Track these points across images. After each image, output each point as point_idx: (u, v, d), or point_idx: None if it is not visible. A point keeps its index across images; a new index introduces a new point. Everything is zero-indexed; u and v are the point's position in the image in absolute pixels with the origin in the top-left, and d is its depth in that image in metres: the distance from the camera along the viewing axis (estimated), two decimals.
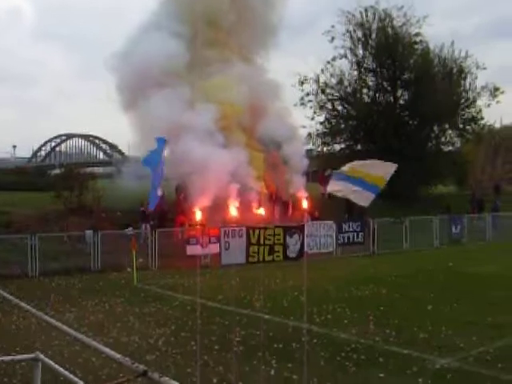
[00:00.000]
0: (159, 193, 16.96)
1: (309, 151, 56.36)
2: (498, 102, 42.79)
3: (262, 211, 27.66)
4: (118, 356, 3.86)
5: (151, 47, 28.70)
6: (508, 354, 9.96)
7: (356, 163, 19.03)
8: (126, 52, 30.11)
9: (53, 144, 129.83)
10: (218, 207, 25.48)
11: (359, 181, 17.41)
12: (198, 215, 24.81)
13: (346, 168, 18.39)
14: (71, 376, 5.65)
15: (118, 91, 30.95)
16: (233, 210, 26.44)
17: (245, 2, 31.74)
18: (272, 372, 9.21)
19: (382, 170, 17.80)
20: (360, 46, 42.72)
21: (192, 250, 20.53)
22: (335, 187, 18.24)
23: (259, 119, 29.83)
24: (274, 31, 33.98)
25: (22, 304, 6.08)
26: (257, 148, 29.87)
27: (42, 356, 5.25)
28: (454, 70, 42.67)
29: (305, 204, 29.14)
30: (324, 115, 43.38)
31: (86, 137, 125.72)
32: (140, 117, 29.24)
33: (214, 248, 21.18)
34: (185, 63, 29.46)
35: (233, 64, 30.31)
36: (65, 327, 5.00)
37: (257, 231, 22.16)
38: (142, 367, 3.43)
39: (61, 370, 5.59)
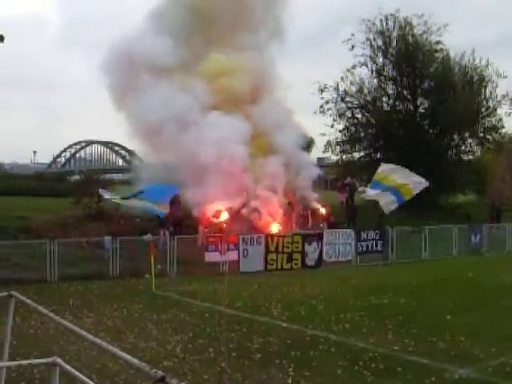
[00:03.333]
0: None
1: (320, 159, 56.22)
2: None
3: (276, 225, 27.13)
4: (136, 361, 3.85)
5: (142, 46, 28.45)
6: None
7: (387, 167, 19.35)
8: (117, 53, 29.51)
9: (72, 150, 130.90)
10: (235, 214, 25.42)
11: (393, 190, 17.79)
12: (219, 221, 24.84)
13: (379, 170, 18.81)
14: (89, 381, 5.65)
15: (109, 91, 30.75)
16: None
17: (242, 3, 31.00)
18: (289, 380, 9.17)
19: (412, 182, 18.11)
20: (380, 54, 42.75)
21: (210, 256, 20.53)
22: (371, 193, 18.70)
23: (255, 105, 29.33)
24: (278, 35, 33.23)
25: (41, 308, 6.09)
26: (258, 132, 28.64)
27: (59, 360, 5.26)
28: (475, 79, 42.50)
29: (322, 210, 28.87)
30: (343, 123, 43.40)
31: (105, 143, 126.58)
32: (130, 114, 29.00)
33: (232, 255, 21.15)
34: (178, 61, 28.93)
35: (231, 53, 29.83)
36: (83, 332, 5.00)
37: (275, 239, 22.14)
38: (159, 373, 3.42)
39: (78, 374, 5.59)
